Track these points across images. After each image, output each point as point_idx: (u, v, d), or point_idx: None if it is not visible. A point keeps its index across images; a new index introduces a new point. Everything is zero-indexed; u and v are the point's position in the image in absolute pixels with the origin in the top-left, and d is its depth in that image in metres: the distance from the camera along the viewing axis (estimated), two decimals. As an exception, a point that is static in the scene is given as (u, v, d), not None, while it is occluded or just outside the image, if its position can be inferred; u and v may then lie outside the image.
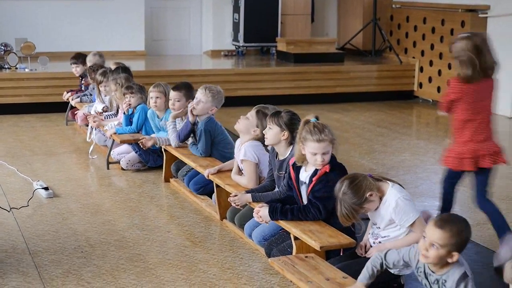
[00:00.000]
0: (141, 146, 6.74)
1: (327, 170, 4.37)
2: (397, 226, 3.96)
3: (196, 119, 6.16)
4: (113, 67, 8.18)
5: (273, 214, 4.50)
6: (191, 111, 6.09)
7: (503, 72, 9.82)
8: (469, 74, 4.58)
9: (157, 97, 6.81)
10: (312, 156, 4.36)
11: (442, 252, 3.39)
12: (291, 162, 4.61)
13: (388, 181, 4.02)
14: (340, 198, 3.93)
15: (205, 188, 6.07)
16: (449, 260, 3.41)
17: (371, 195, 3.92)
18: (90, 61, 8.87)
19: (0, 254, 4.87)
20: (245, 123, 5.35)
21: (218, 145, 6.14)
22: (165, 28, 12.79)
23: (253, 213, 4.69)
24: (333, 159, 4.43)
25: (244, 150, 5.26)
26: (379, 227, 4.03)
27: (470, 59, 4.57)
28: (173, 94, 6.49)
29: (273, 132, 4.85)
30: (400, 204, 3.90)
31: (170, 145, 6.48)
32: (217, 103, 6.14)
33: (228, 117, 9.35)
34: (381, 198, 3.98)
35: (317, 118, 4.44)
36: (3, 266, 4.67)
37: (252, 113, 5.34)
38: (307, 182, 4.46)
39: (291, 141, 4.85)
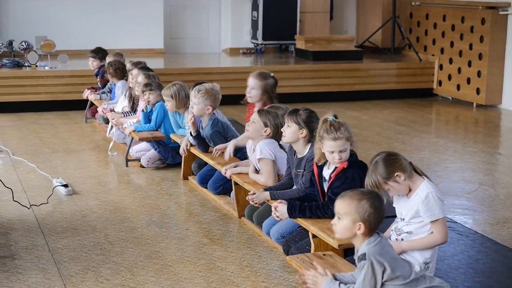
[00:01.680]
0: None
1: (345, 167, 4.36)
2: (421, 221, 3.94)
3: (198, 127, 6.18)
4: (128, 65, 8.22)
5: (292, 212, 4.49)
6: (191, 121, 6.14)
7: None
8: None
9: (167, 101, 6.80)
10: (330, 154, 4.37)
11: (347, 223, 3.51)
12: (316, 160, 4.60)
13: (425, 177, 4.00)
14: (371, 167, 3.94)
15: (224, 186, 6.08)
16: (358, 232, 3.49)
17: (399, 176, 3.88)
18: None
19: (20, 251, 4.91)
20: (253, 128, 5.33)
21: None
22: (184, 26, 12.82)
23: (272, 210, 4.68)
24: (352, 156, 4.42)
25: (259, 149, 5.25)
26: (403, 219, 4.00)
27: None
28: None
29: (291, 130, 4.84)
30: (430, 198, 3.89)
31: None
32: (211, 101, 6.13)
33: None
34: (410, 190, 3.95)
35: (335, 116, 4.43)
36: (23, 263, 4.70)
37: (254, 116, 5.34)
38: (327, 179, 4.46)
39: (309, 139, 4.85)
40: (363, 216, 3.49)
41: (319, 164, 4.52)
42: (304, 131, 4.81)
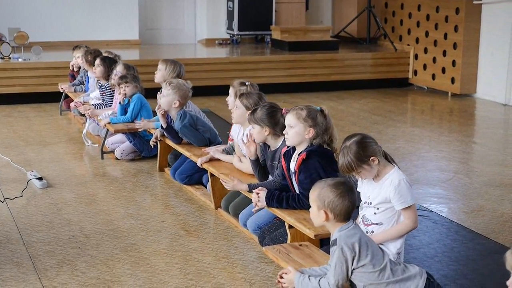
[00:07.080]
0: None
1: (304, 158, 4.37)
2: (389, 208, 3.91)
3: (168, 119, 6.17)
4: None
5: (270, 200, 4.48)
6: (160, 113, 6.13)
7: (497, 60, 9.87)
8: None
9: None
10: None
11: (314, 210, 3.65)
12: (282, 151, 4.60)
13: (395, 165, 4.00)
14: (345, 149, 3.89)
15: (190, 178, 6.10)
16: (323, 218, 3.59)
17: (373, 160, 3.89)
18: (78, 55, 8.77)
19: (-6, 245, 4.87)
20: (239, 113, 5.30)
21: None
22: (160, 17, 12.75)
23: (252, 196, 4.63)
24: (309, 146, 4.42)
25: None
26: (370, 203, 3.96)
27: None
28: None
29: (256, 131, 4.86)
30: (403, 185, 3.87)
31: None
32: (179, 96, 6.11)
33: (223, 105, 9.33)
34: (378, 175, 3.93)
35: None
36: (-3, 257, 4.67)
37: (237, 103, 5.31)
38: (293, 172, 4.47)
39: (277, 133, 4.81)
40: (323, 203, 3.58)
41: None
42: (267, 129, 4.80)
